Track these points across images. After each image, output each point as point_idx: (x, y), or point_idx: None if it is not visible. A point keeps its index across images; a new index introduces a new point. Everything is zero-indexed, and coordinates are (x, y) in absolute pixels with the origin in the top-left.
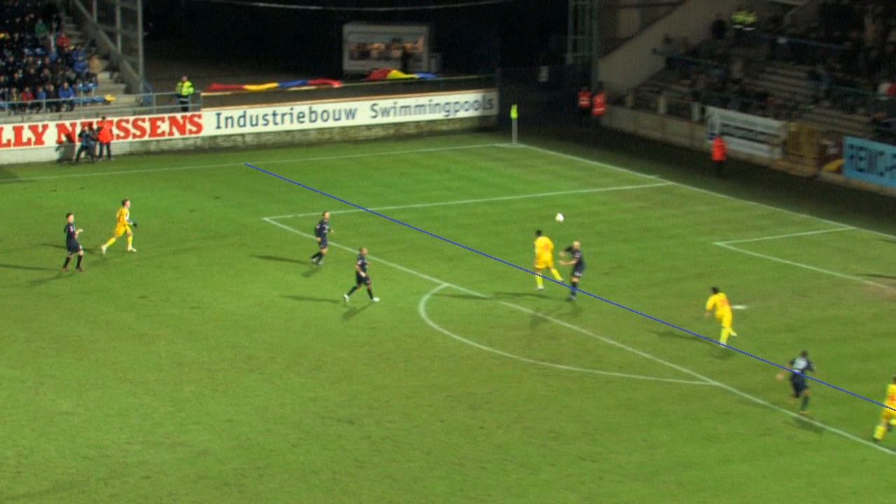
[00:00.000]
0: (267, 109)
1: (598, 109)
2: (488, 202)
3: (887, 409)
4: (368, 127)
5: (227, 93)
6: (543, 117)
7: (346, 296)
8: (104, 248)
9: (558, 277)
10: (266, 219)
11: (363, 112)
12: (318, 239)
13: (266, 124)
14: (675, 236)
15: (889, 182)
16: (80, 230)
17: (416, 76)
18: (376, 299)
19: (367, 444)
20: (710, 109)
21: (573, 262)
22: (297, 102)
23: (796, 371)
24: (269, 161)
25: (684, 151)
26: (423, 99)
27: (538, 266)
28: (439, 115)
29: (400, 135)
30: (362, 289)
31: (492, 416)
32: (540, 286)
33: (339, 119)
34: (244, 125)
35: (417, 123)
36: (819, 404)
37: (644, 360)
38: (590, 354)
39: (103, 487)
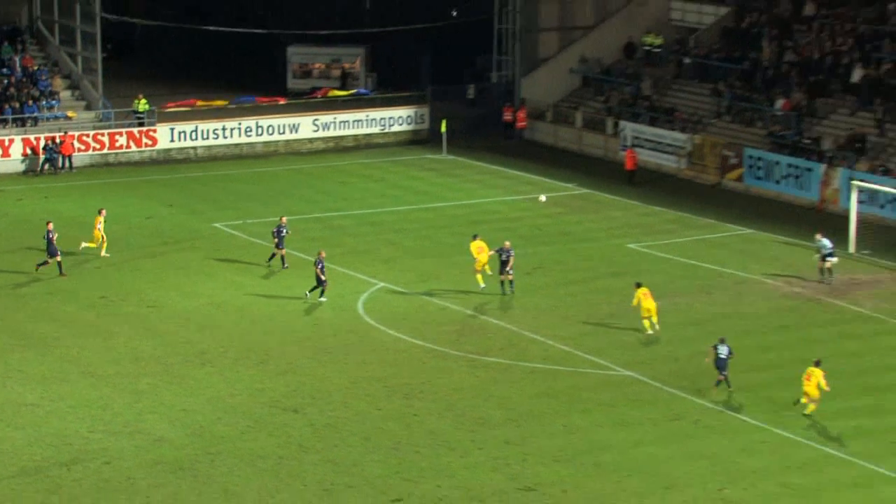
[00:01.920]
0: (217, 124)
1: (520, 123)
2: (421, 209)
3: (805, 389)
4: (311, 140)
5: (181, 109)
6: (471, 131)
7: (307, 293)
8: (83, 245)
9: (482, 284)
10: (217, 224)
11: (306, 126)
12: (276, 241)
13: (216, 138)
14: (591, 239)
15: (784, 189)
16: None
17: (353, 93)
18: (324, 299)
19: (310, 431)
20: (623, 123)
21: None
22: (245, 118)
23: (721, 356)
24: (218, 172)
25: (599, 162)
26: (360, 114)
27: (476, 268)
28: (375, 129)
29: (339, 147)
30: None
31: (424, 405)
32: (482, 285)
33: (283, 133)
34: (196, 139)
35: (355, 137)
36: (719, 391)
37: (563, 352)
38: (514, 347)
39: (66, 472)
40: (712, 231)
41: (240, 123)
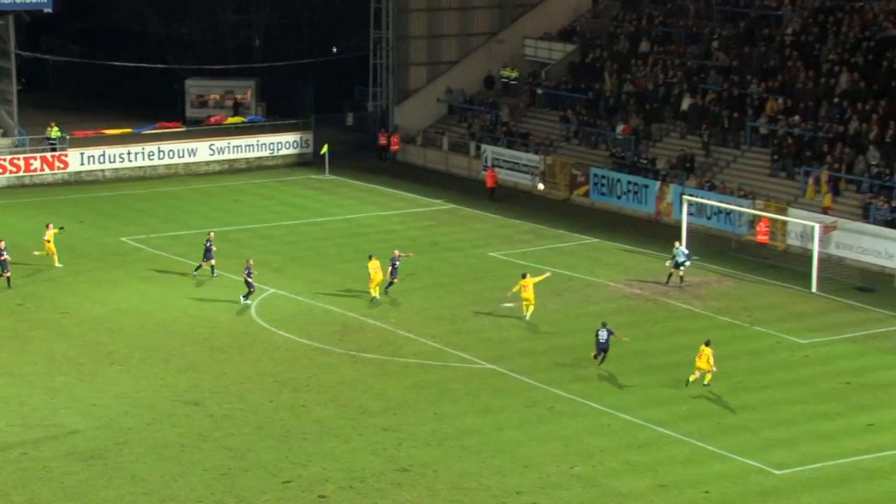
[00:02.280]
0: (123, 149)
1: (393, 147)
2: (306, 223)
3: (698, 365)
4: (207, 163)
5: (89, 136)
6: (350, 154)
7: (241, 298)
8: (36, 253)
9: (375, 293)
10: (123, 239)
11: (203, 150)
12: (205, 252)
13: (122, 161)
14: (458, 249)
15: (625, 203)
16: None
17: (245, 120)
18: (248, 302)
19: (209, 422)
20: (484, 146)
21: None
22: (148, 143)
23: (602, 340)
24: (124, 192)
25: (464, 181)
26: (251, 139)
27: (371, 286)
28: (265, 153)
29: (233, 169)
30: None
31: (311, 397)
32: (376, 296)
33: (182, 156)
34: (104, 162)
35: (247, 160)
36: (570, 381)
37: (434, 348)
38: (390, 345)
39: None
40: (563, 241)
41: (143, 148)
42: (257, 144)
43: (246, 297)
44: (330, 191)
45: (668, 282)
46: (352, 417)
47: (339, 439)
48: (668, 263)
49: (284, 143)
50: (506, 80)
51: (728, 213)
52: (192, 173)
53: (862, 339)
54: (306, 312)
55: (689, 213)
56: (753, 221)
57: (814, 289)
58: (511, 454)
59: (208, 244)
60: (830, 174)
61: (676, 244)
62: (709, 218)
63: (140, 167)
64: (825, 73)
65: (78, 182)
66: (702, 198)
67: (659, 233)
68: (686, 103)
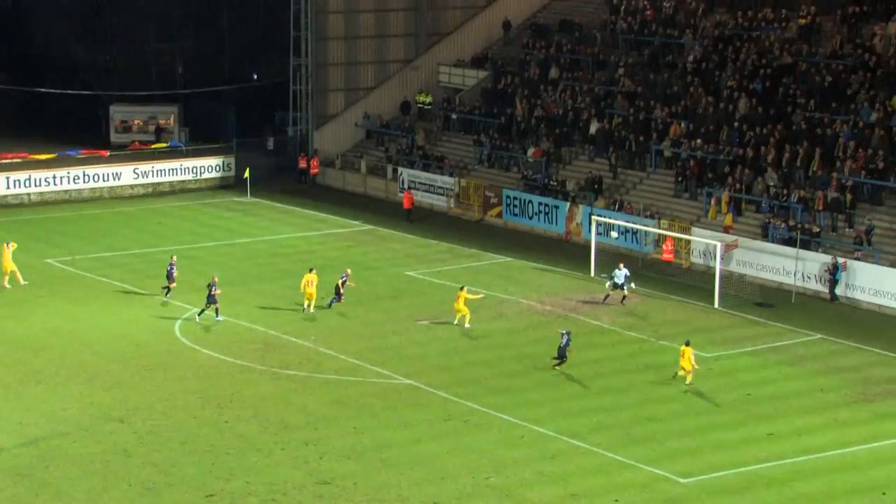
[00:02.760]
0: (48, 173)
1: (313, 170)
2: (229, 244)
3: (681, 364)
4: (132, 186)
5: (15, 160)
6: (271, 177)
7: (196, 315)
8: (5, 281)
9: (311, 309)
10: (48, 260)
11: (127, 174)
12: (167, 274)
13: (48, 185)
14: (376, 268)
15: (537, 223)
16: None
17: (168, 145)
18: (220, 318)
19: (134, 438)
20: (400, 169)
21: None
22: (73, 167)
23: (561, 345)
24: (49, 215)
25: (381, 202)
26: (175, 163)
27: (306, 297)
28: (188, 176)
29: (157, 192)
30: (212, 309)
31: (234, 413)
32: (310, 310)
33: (107, 180)
34: (29, 186)
35: (171, 183)
36: (485, 394)
37: (353, 364)
38: (311, 362)
39: None
40: (477, 259)
41: (68, 172)
42: (181, 168)
43: (200, 312)
44: (251, 213)
45: (604, 300)
46: (274, 432)
47: (262, 453)
48: (607, 284)
49: (207, 166)
50: (421, 106)
51: (635, 232)
52: (117, 197)
53: (762, 352)
54: (229, 331)
55: (598, 233)
56: (659, 240)
57: (716, 304)
58: (428, 466)
59: (170, 268)
60: (731, 195)
61: (620, 265)
62: (616, 238)
63: (65, 191)
64: (725, 98)
65: (3, 206)
66: (610, 218)
67: (569, 252)
68: (594, 127)
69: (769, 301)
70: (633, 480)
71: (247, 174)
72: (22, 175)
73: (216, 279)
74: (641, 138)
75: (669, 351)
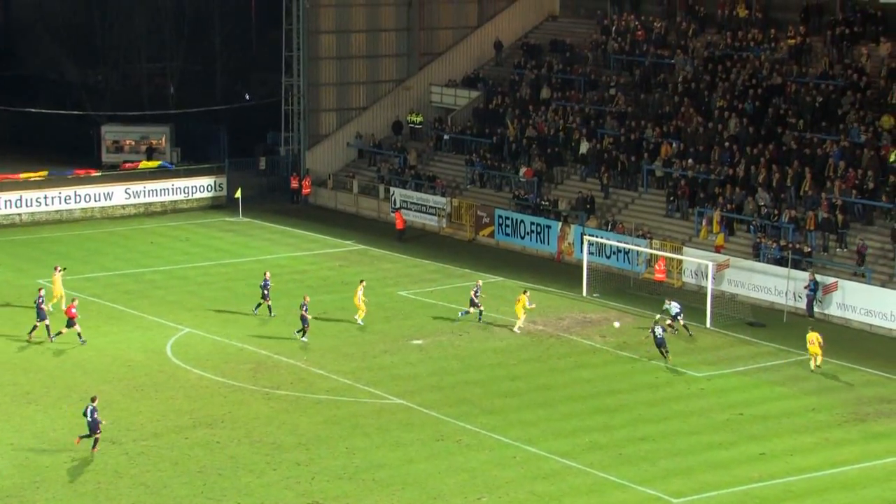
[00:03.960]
0: (39, 193)
1: (305, 190)
2: (221, 264)
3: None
4: (123, 206)
5: (7, 180)
6: (262, 197)
7: (295, 333)
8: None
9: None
10: (41, 280)
11: (119, 194)
12: (263, 292)
13: (39, 205)
14: (368, 288)
15: (528, 243)
16: None
17: (159, 165)
18: (305, 340)
19: (125, 459)
20: (392, 189)
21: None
22: (65, 187)
23: (658, 336)
24: (41, 235)
25: (373, 222)
26: (167, 183)
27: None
28: (180, 196)
29: (149, 212)
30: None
31: (226, 433)
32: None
33: (98, 200)
34: (21, 206)
35: (163, 203)
36: (477, 414)
37: (345, 385)
38: (303, 381)
39: None
40: (469, 280)
41: (60, 192)
42: (172, 188)
43: (302, 333)
44: (243, 233)
45: (675, 332)
46: (266, 453)
47: (254, 474)
48: (666, 321)
49: (199, 186)
50: (413, 126)
51: (626, 252)
52: (108, 217)
53: (753, 372)
54: (220, 351)
55: (590, 253)
56: (651, 260)
57: (708, 324)
58: (421, 486)
59: (266, 284)
60: (722, 215)
61: (668, 301)
62: (608, 257)
63: (57, 211)
64: (716, 118)
65: None
66: (601, 238)
67: (561, 271)
68: (585, 147)
69: (761, 321)
70: (626, 500)
71: (238, 194)
72: (13, 195)
73: (307, 299)
74: (633, 158)
75: (661, 371)
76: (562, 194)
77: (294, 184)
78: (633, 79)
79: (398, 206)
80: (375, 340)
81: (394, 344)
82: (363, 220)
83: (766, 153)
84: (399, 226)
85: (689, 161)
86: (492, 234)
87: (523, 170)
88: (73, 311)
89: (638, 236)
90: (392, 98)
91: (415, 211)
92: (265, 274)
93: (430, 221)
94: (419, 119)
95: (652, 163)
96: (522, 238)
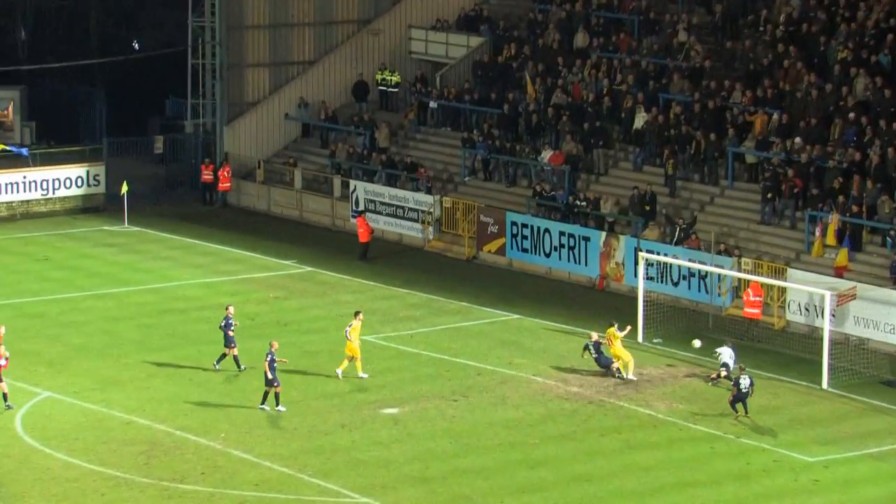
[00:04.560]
0: None
1: (223, 185)
2: (97, 295)
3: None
4: None
5: None
6: (160, 195)
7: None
8: None
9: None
10: None
11: None
12: (227, 336)
13: None
14: (317, 331)
15: (556, 264)
16: None
17: (4, 148)
18: (281, 409)
19: None
20: (354, 183)
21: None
22: None
23: (743, 390)
24: None
25: (325, 233)
26: (15, 175)
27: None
28: (36, 195)
29: None
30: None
31: None
32: (362, 374)
33: None
34: None
35: (9, 205)
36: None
37: (283, 475)
38: (219, 471)
39: None
40: (467, 317)
41: None
42: (24, 183)
43: (267, 399)
44: (130, 248)
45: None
46: None
47: None
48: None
49: (64, 180)
50: (384, 88)
51: (703, 276)
52: None
53: (893, 455)
54: (97, 425)
55: (648, 278)
56: (739, 289)
57: (824, 384)
58: None
59: (228, 323)
60: (844, 221)
61: (726, 345)
62: (676, 284)
63: None
64: (836, 77)
65: None
66: (665, 255)
67: (604, 305)
68: (641, 120)
69: None
70: None
71: (124, 191)
72: None
73: (275, 347)
74: (712, 136)
75: (757, 453)
76: (606, 190)
77: (206, 175)
78: (711, 18)
79: (362, 208)
80: (328, 408)
81: (355, 414)
82: (310, 230)
83: None
84: (363, 238)
85: (797, 140)
86: (502, 251)
87: (549, 153)
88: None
89: (720, 253)
90: (352, 47)
91: (387, 216)
92: (227, 309)
93: (411, 231)
94: (393, 79)
95: (740, 143)
96: (548, 256)
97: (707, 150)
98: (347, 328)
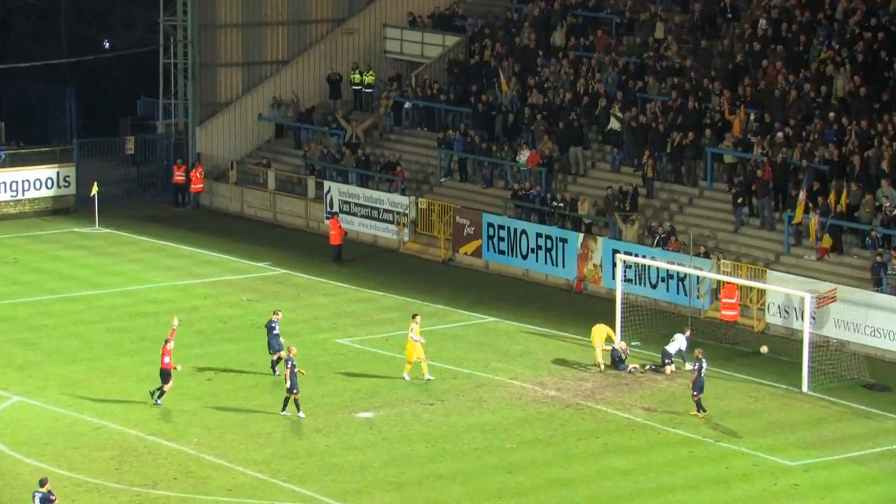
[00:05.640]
0: None
1: (195, 186)
2: (67, 298)
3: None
4: None
5: None
6: (131, 196)
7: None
8: None
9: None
10: None
11: None
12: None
13: None
14: (291, 334)
15: (533, 266)
16: None
17: None
18: (302, 415)
19: None
20: (328, 184)
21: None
22: None
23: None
24: None
25: (299, 234)
26: None
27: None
28: (5, 197)
29: None
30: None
31: None
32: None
33: None
34: None
35: None
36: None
37: (257, 480)
38: (192, 476)
39: None
40: (443, 320)
41: None
42: None
43: (294, 404)
44: (102, 251)
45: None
46: None
47: None
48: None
49: (33, 181)
50: (358, 88)
51: (682, 278)
52: None
53: (873, 459)
54: (67, 430)
55: (626, 280)
56: (717, 290)
57: (804, 387)
58: None
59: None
60: (822, 221)
61: (685, 330)
62: (654, 286)
63: None
64: (814, 74)
65: None
66: (643, 257)
67: (582, 308)
68: (615, 122)
69: (883, 383)
70: None
71: (95, 192)
72: None
73: (293, 353)
74: (690, 136)
75: (736, 457)
76: (584, 191)
77: (178, 176)
78: (690, 16)
79: (336, 209)
80: (303, 410)
81: (329, 418)
82: (283, 231)
83: (892, 126)
84: (335, 239)
85: (778, 135)
86: (478, 252)
87: (526, 153)
88: None
89: (699, 255)
90: (327, 47)
91: (362, 217)
92: (274, 315)
93: (386, 233)
94: (368, 79)
95: (719, 143)
96: (524, 258)
97: (686, 150)
98: (411, 332)
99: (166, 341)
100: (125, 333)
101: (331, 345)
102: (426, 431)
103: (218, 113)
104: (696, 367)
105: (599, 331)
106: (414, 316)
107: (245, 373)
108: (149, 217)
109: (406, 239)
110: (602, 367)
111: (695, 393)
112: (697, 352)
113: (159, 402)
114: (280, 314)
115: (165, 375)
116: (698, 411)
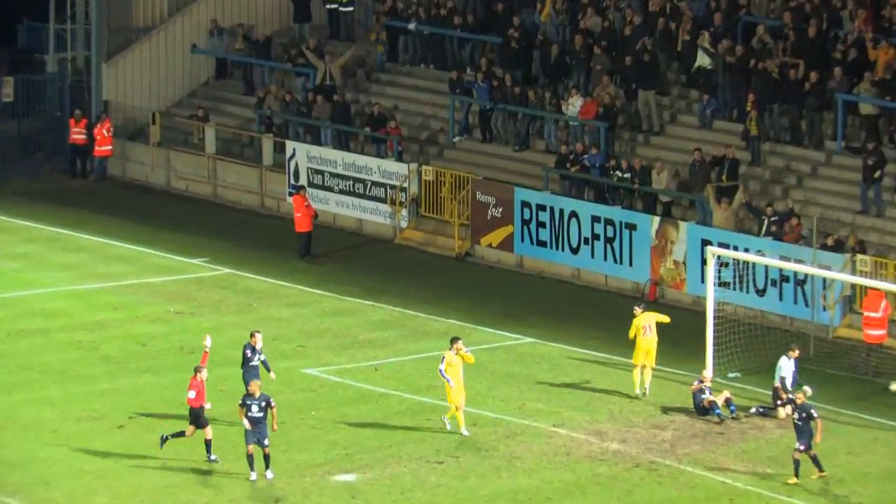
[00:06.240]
0: None
1: (101, 148)
2: None
3: None
4: None
5: None
6: (10, 162)
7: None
8: None
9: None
10: None
11: None
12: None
13: None
14: (239, 362)
15: (585, 263)
16: None
17: None
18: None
19: None
20: (292, 145)
21: None
22: None
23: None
24: None
25: (250, 217)
26: None
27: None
28: None
29: None
30: None
31: None
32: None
33: None
34: None
35: None
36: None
37: None
38: None
39: None
40: (468, 341)
41: None
42: None
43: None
44: None
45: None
46: None
47: None
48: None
49: None
50: (335, 7)
51: (802, 281)
52: None
53: None
54: None
55: (721, 283)
56: (853, 298)
57: None
58: None
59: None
60: None
61: (792, 350)
62: (760, 293)
63: None
64: None
65: None
66: (745, 251)
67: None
68: (708, 55)
69: None
70: None
71: None
72: None
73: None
74: (813, 77)
75: None
76: (660, 155)
77: (77, 134)
78: None
79: (302, 182)
80: (263, 469)
81: (295, 482)
82: (229, 213)
83: None
84: (301, 226)
85: None
86: (509, 244)
87: (577, 103)
88: None
89: (825, 247)
90: None
91: (340, 192)
92: (251, 338)
93: (375, 216)
94: None
95: (852, 88)
96: (575, 251)
97: (805, 98)
98: (441, 366)
99: (197, 370)
100: (0, 360)
101: (296, 376)
102: (433, 502)
103: (133, 43)
104: (788, 410)
105: (647, 318)
106: (454, 340)
107: (171, 417)
108: (35, 192)
109: (404, 224)
110: (643, 392)
111: (800, 447)
112: (799, 394)
113: (214, 457)
114: (259, 336)
115: (196, 417)
116: (816, 470)
